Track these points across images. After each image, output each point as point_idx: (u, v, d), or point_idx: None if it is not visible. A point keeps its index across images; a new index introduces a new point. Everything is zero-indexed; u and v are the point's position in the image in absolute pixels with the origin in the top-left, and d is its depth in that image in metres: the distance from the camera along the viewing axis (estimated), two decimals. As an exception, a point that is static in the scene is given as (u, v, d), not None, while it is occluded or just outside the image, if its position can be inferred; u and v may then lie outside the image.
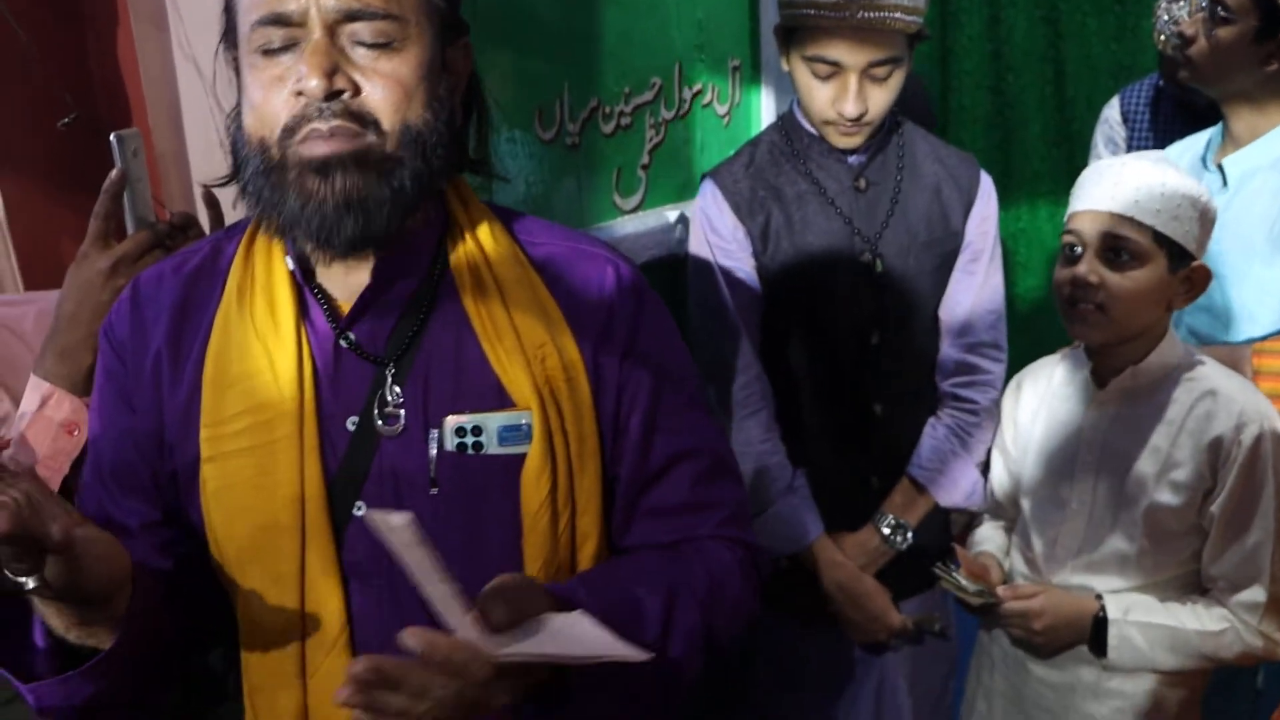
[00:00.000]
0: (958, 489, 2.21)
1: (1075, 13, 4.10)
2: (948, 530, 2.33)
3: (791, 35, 2.08)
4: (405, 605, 1.21)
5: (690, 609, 1.25)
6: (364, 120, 1.16)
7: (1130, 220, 1.82)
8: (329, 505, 1.24)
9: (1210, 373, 1.90)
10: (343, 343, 1.27)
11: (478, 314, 1.28)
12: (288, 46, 1.16)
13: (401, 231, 1.23)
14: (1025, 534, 2.06)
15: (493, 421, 1.25)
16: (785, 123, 2.22)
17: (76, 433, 1.54)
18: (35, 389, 1.53)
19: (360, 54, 1.16)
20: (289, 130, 1.16)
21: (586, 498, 1.30)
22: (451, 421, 1.25)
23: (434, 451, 1.25)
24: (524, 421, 1.26)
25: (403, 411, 1.26)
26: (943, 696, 2.43)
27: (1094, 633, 1.92)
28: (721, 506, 1.38)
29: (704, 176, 2.26)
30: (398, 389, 1.26)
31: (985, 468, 2.23)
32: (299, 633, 1.23)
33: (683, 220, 2.74)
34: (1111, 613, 1.89)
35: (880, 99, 2.04)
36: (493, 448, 1.26)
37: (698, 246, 2.22)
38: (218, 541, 1.25)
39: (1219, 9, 2.30)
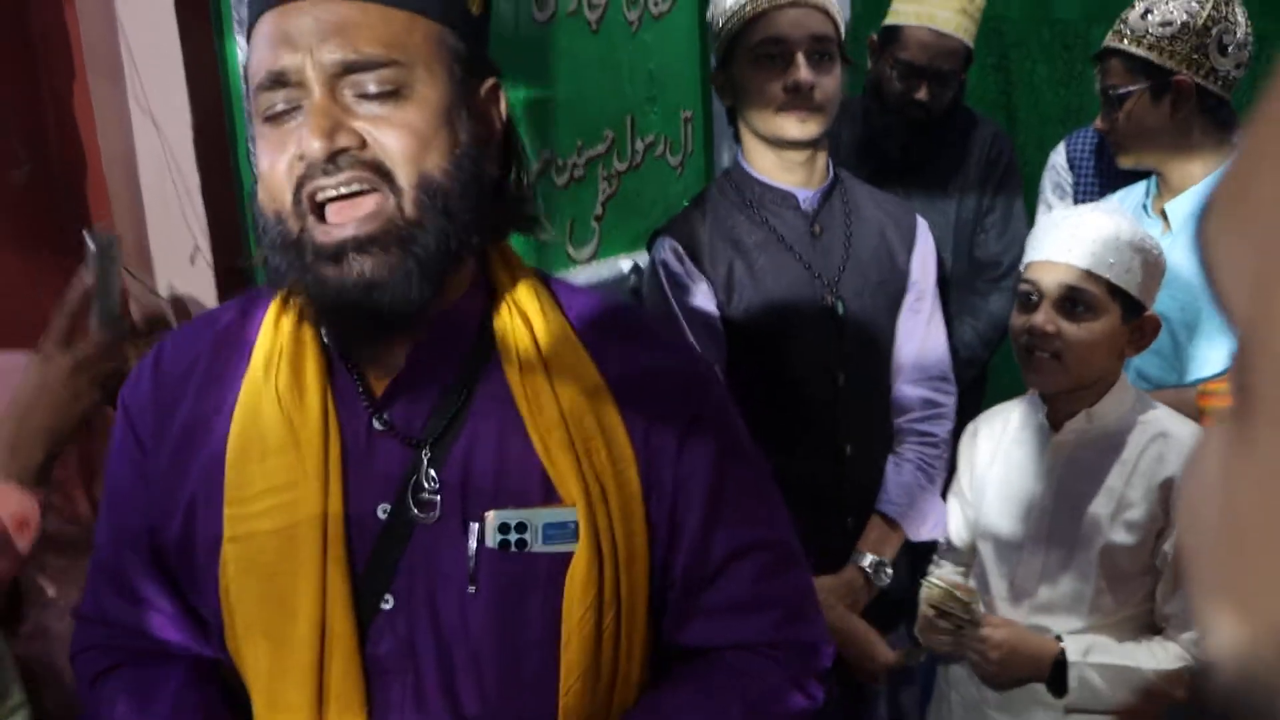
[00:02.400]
0: (925, 522, 2.23)
1: (1025, 60, 4.16)
2: (912, 567, 2.34)
3: (735, 42, 2.14)
4: (428, 703, 1.17)
5: None
6: (378, 169, 1.07)
7: (1087, 273, 1.85)
8: (354, 597, 1.15)
9: (1162, 416, 1.94)
10: (376, 424, 1.18)
11: (525, 398, 1.18)
12: (292, 110, 1.08)
13: (439, 302, 1.15)
14: (983, 576, 2.07)
15: (538, 518, 1.16)
16: (734, 175, 2.24)
17: (27, 528, 1.47)
18: None
19: (367, 107, 1.07)
20: (297, 199, 1.07)
21: (632, 596, 1.20)
22: (494, 517, 1.16)
23: (474, 547, 1.16)
24: (570, 519, 1.16)
25: (439, 499, 1.17)
26: None
27: (1053, 674, 1.92)
28: (781, 603, 1.29)
29: (656, 233, 2.25)
30: (434, 474, 1.17)
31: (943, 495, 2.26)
32: None
33: (636, 270, 2.76)
34: (1071, 655, 1.89)
35: (826, 84, 2.10)
36: (537, 546, 1.16)
37: (658, 301, 2.20)
38: (234, 626, 1.18)
39: (1110, 90, 2.46)
